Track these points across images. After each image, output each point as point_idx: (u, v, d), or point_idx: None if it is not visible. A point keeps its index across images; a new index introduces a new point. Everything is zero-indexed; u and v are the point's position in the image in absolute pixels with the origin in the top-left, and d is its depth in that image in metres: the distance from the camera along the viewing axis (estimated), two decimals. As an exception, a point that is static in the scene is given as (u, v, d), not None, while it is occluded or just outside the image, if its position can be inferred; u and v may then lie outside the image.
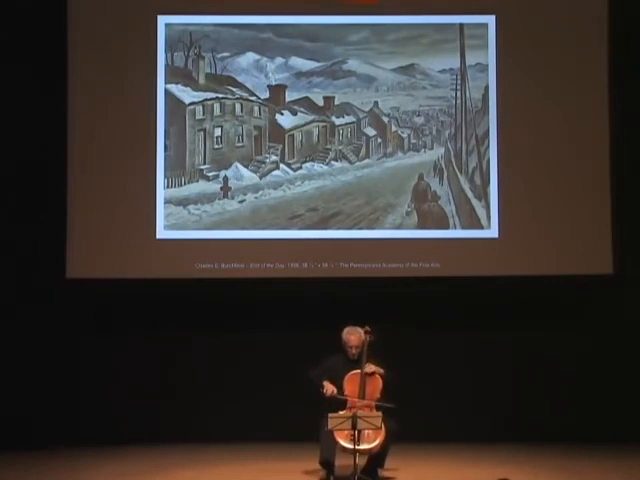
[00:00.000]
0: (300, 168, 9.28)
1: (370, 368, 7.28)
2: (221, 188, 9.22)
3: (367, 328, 7.44)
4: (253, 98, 9.30)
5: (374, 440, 6.98)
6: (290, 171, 9.27)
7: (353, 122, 9.33)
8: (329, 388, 7.26)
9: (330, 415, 6.88)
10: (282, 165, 9.27)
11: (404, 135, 9.32)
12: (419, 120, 9.31)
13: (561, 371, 9.38)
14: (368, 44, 9.30)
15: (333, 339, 7.50)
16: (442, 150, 9.29)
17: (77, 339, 9.34)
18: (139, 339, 9.36)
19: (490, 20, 9.27)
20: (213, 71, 9.31)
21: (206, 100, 9.28)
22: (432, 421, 9.04)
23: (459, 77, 9.28)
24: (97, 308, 9.34)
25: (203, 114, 9.28)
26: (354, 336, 7.42)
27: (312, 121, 9.32)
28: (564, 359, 9.39)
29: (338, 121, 9.32)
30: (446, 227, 9.23)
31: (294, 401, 8.62)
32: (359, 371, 7.27)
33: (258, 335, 9.30)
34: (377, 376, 7.29)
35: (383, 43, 9.31)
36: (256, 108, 9.30)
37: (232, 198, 9.22)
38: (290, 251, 9.13)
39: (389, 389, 7.25)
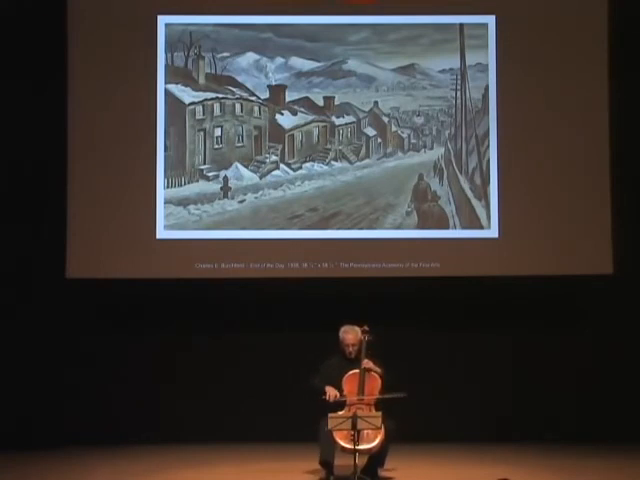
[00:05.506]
0: (300, 168, 9.27)
1: (368, 364, 7.27)
2: (221, 188, 9.22)
3: (365, 328, 7.43)
4: (253, 98, 9.30)
5: (374, 440, 6.96)
6: (290, 171, 9.27)
7: (353, 122, 9.33)
8: (331, 393, 7.20)
9: (330, 415, 6.87)
10: (282, 165, 9.27)
11: (404, 135, 9.32)
12: (419, 120, 9.30)
13: (561, 371, 9.38)
14: (368, 44, 9.30)
15: (333, 339, 7.49)
16: (442, 150, 9.29)
17: (77, 339, 9.34)
18: (139, 339, 9.35)
19: (490, 20, 9.26)
20: (213, 71, 9.31)
21: (206, 100, 9.28)
22: (432, 421, 9.03)
23: (459, 77, 9.28)
24: (97, 308, 9.34)
25: (203, 114, 9.27)
26: (350, 334, 7.42)
27: (312, 121, 9.32)
28: (564, 359, 9.39)
29: (338, 121, 9.32)
30: (446, 227, 9.23)
31: (294, 401, 8.61)
32: (357, 370, 7.25)
33: (258, 335, 9.31)
34: (376, 375, 7.26)
35: (383, 43, 9.31)
36: (256, 108, 9.30)
37: (232, 198, 9.22)
38: (290, 251, 9.12)
39: (388, 390, 7.23)
